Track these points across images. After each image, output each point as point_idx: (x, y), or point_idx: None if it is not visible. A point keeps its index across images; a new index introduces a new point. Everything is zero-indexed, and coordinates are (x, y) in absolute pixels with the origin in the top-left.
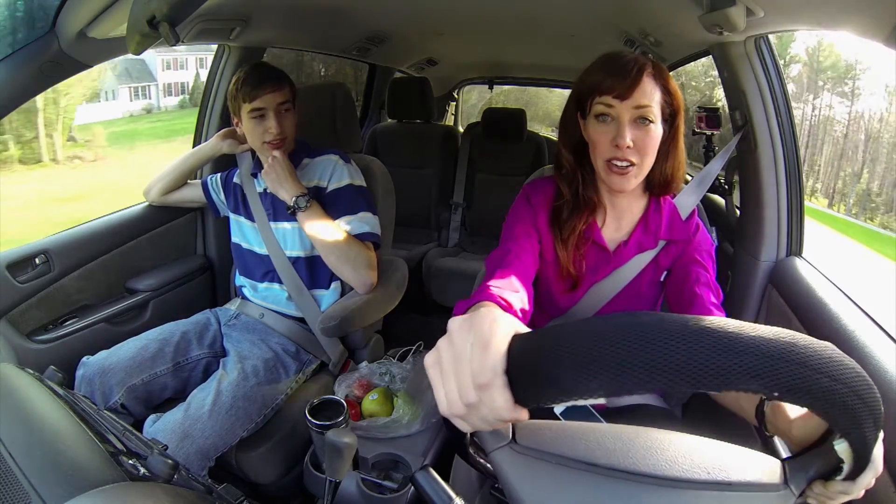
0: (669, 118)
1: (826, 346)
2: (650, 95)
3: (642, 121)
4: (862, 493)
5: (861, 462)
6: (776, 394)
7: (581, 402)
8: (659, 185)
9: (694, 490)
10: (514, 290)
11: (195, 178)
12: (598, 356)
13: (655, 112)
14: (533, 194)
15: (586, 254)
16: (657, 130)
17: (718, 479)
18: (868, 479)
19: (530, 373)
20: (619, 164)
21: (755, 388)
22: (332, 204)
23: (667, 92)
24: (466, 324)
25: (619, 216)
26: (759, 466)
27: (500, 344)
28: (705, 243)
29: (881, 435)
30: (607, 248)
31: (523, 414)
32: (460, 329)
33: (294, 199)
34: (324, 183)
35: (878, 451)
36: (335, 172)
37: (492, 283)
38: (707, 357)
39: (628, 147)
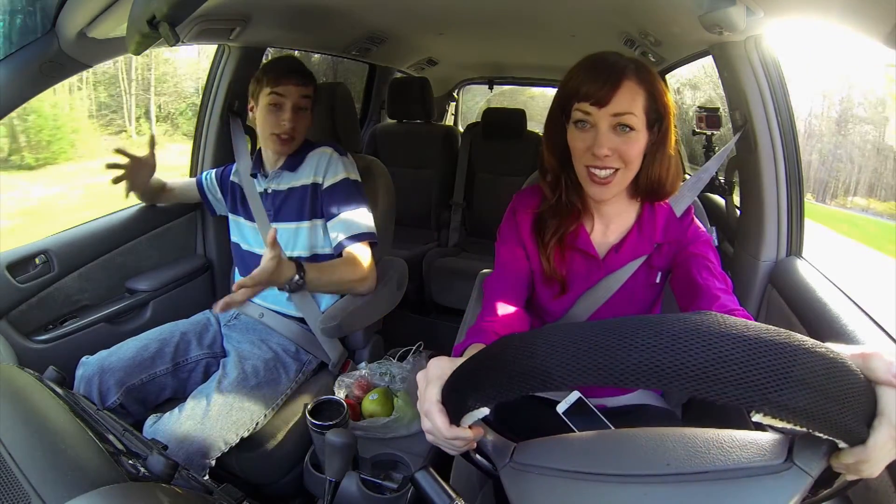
0: (656, 123)
1: (684, 319)
2: (631, 102)
3: (622, 128)
4: (893, 453)
5: (822, 425)
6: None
7: (480, 413)
8: (647, 192)
9: (679, 484)
10: (504, 321)
11: (199, 172)
12: (469, 378)
13: (637, 119)
14: (519, 207)
15: (575, 260)
16: (639, 137)
17: (704, 469)
18: (881, 437)
19: (448, 399)
20: (597, 172)
21: (598, 383)
22: (329, 200)
23: (652, 96)
24: (423, 373)
25: (608, 222)
26: (757, 449)
27: (436, 381)
28: (701, 235)
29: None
30: (596, 256)
31: (461, 432)
32: (420, 377)
33: (288, 286)
34: (319, 178)
35: (887, 399)
36: (330, 166)
37: (483, 321)
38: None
39: (606, 155)
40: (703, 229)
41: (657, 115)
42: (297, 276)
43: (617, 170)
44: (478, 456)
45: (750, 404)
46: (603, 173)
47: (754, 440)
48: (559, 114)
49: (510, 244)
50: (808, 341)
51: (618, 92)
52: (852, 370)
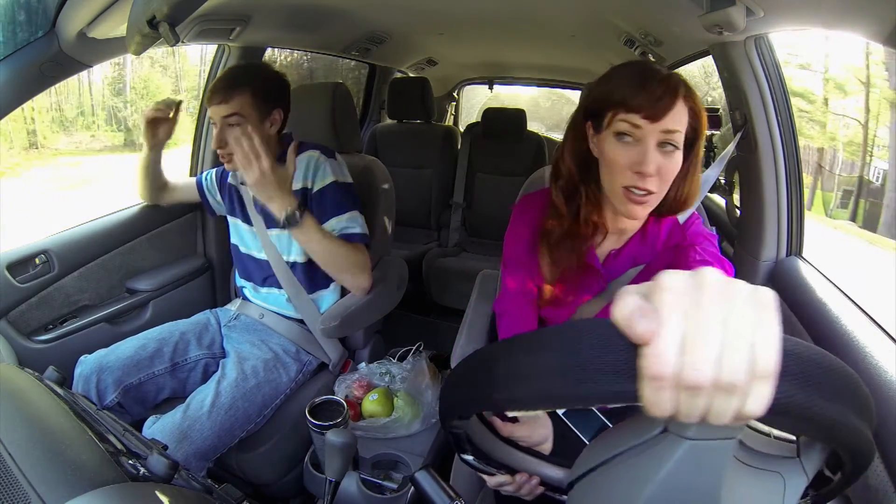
0: (693, 143)
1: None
2: (681, 120)
3: (666, 146)
4: (675, 400)
5: (565, 402)
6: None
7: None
8: (668, 209)
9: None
10: None
11: (200, 170)
12: None
13: (681, 138)
14: (524, 212)
15: (576, 273)
16: (680, 158)
17: (600, 460)
18: (644, 393)
19: None
20: (637, 192)
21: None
22: (318, 204)
23: (694, 116)
24: None
25: (619, 234)
26: (638, 427)
27: None
28: (700, 233)
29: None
30: (598, 267)
31: (500, 479)
32: None
33: (285, 214)
34: (309, 183)
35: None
36: (318, 170)
37: None
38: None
39: (651, 175)
40: (705, 229)
41: (695, 136)
42: (297, 212)
43: (651, 193)
44: (562, 496)
45: (493, 410)
46: (642, 192)
47: (637, 420)
48: (584, 119)
49: (519, 269)
50: (525, 337)
51: (674, 108)
52: (587, 336)
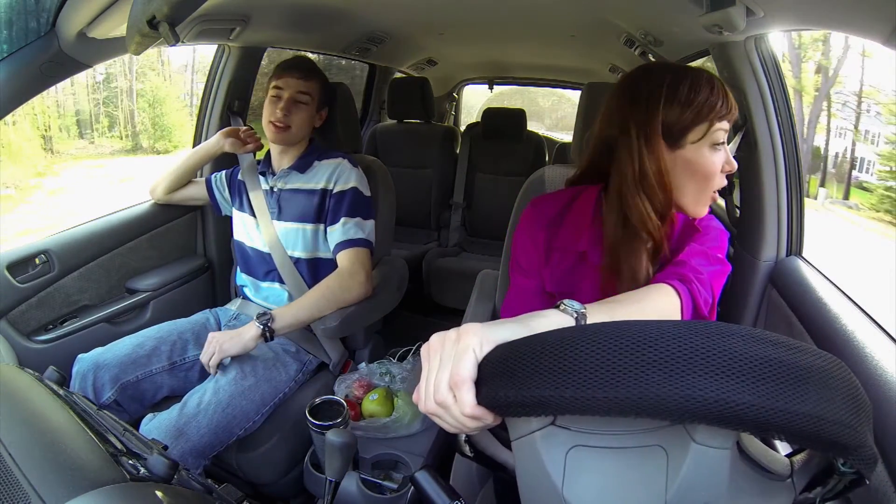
0: None
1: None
2: None
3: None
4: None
5: None
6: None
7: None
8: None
9: None
10: None
11: (198, 177)
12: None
13: None
14: (538, 217)
15: (587, 274)
16: None
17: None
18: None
19: (489, 380)
20: (716, 192)
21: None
22: (335, 204)
23: None
24: (448, 336)
25: None
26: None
27: (472, 351)
28: (710, 226)
29: None
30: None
31: (483, 413)
32: (440, 340)
33: (260, 333)
34: (330, 185)
35: None
36: (342, 174)
37: None
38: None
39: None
40: (717, 224)
41: None
42: (260, 324)
43: None
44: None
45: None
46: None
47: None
48: (659, 139)
49: (532, 273)
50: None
51: None
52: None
